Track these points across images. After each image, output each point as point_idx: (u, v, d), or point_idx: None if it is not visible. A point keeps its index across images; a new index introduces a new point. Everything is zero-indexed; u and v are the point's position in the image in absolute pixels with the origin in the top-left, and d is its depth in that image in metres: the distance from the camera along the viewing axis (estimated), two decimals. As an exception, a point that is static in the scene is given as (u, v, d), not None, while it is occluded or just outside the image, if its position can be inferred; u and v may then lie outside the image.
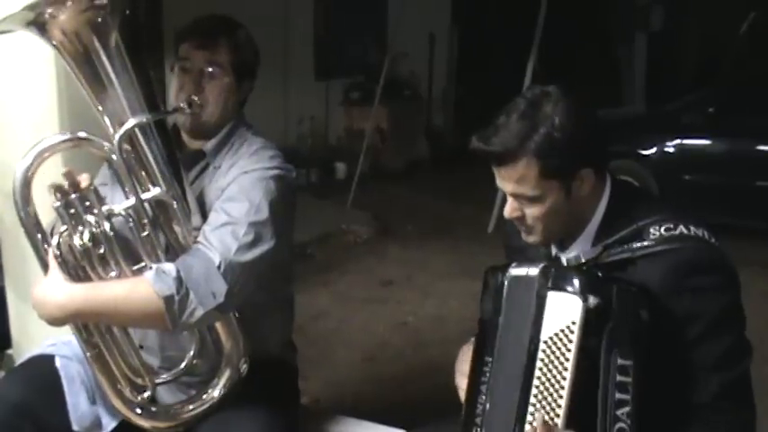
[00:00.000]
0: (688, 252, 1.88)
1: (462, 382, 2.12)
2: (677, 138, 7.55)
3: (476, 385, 2.01)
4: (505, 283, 2.00)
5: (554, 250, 2.11)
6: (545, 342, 1.84)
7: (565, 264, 2.02)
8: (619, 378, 1.77)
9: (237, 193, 2.25)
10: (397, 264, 6.87)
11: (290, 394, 2.61)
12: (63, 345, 2.45)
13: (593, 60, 12.09)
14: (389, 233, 7.75)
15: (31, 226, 2.14)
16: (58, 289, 2.12)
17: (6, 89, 2.97)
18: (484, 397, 1.98)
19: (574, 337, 1.79)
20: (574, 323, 1.79)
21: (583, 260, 1.98)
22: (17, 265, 3.18)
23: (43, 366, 2.40)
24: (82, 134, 2.15)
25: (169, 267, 2.12)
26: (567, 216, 1.98)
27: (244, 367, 2.33)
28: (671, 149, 7.57)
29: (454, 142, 10.95)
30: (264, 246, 2.22)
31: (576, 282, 1.82)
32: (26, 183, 2.09)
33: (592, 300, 1.78)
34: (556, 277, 1.87)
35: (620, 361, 1.77)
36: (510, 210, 2.00)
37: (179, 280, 2.10)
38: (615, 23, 12.07)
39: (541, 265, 1.93)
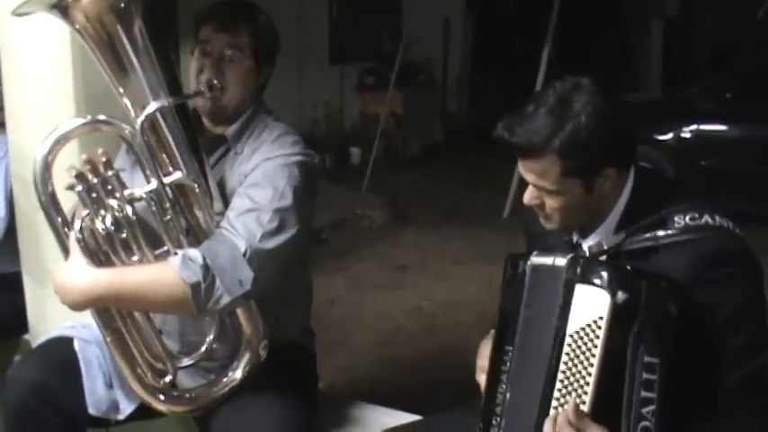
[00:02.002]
0: (712, 242, 1.85)
1: (483, 379, 2.11)
2: (694, 123, 7.52)
3: (496, 375, 1.99)
4: (527, 271, 1.98)
5: (575, 237, 2.09)
6: (571, 336, 1.81)
7: (586, 251, 1.99)
8: (645, 376, 1.74)
9: (262, 179, 2.24)
10: (411, 249, 6.88)
11: (309, 379, 2.60)
12: (82, 327, 2.46)
13: (608, 46, 12.05)
14: (404, 218, 7.75)
15: (52, 210, 2.14)
16: (81, 274, 2.11)
17: (22, 74, 2.97)
18: (504, 386, 1.97)
19: (601, 333, 1.76)
20: (601, 318, 1.76)
21: (605, 247, 1.94)
22: (33, 250, 3.19)
23: (62, 348, 2.41)
24: (102, 117, 2.15)
25: (195, 254, 2.11)
26: (586, 209, 1.95)
27: (263, 352, 2.32)
28: (687, 135, 7.54)
29: (469, 127, 10.93)
30: (288, 232, 2.21)
31: (605, 275, 1.78)
32: (46, 167, 2.09)
33: (620, 295, 1.75)
34: (584, 269, 1.83)
35: (646, 358, 1.74)
36: (529, 197, 1.98)
37: (205, 267, 2.09)
38: (631, 9, 12.01)
39: (569, 255, 1.90)
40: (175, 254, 2.13)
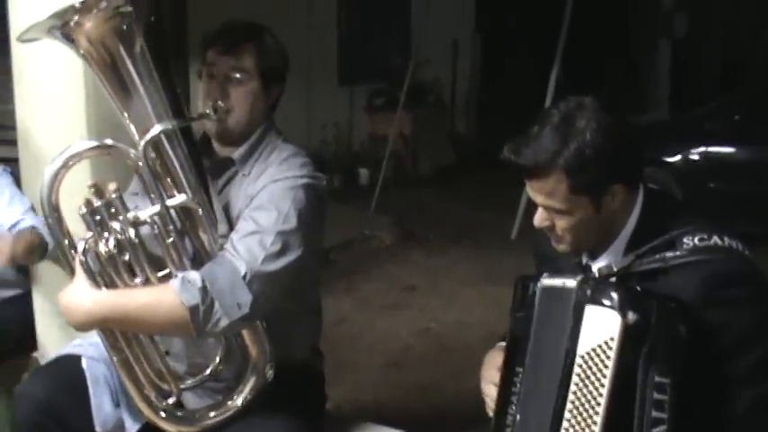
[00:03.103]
0: (721, 263, 1.86)
1: (489, 389, 2.11)
2: (702, 145, 7.49)
3: (506, 396, 2.00)
4: (537, 293, 1.98)
5: (584, 259, 2.08)
6: (581, 357, 1.81)
7: (596, 273, 1.99)
8: (656, 396, 1.74)
9: (267, 201, 2.25)
10: (419, 270, 6.86)
11: (316, 401, 2.61)
12: (89, 345, 2.46)
13: (616, 67, 12.06)
14: (412, 239, 7.74)
15: (58, 231, 2.17)
16: (84, 295, 2.13)
17: (34, 94, 2.99)
18: (514, 407, 1.97)
19: (612, 353, 1.76)
20: (612, 339, 1.77)
21: (615, 269, 1.94)
22: (44, 268, 3.21)
23: (69, 366, 2.41)
24: (108, 141, 2.18)
25: (194, 276, 2.12)
26: (596, 228, 1.96)
27: (269, 373, 2.32)
28: (695, 157, 7.51)
29: (477, 148, 10.94)
30: (291, 255, 2.21)
31: (615, 296, 1.79)
32: (53, 188, 2.12)
33: (631, 315, 1.75)
34: (594, 290, 1.84)
35: (657, 378, 1.74)
36: (539, 219, 1.99)
37: (204, 290, 2.10)
38: (639, 30, 12.04)
39: (579, 277, 1.90)
40: (176, 276, 2.14)
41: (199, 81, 2.41)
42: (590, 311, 1.83)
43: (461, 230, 7.95)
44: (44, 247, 3.07)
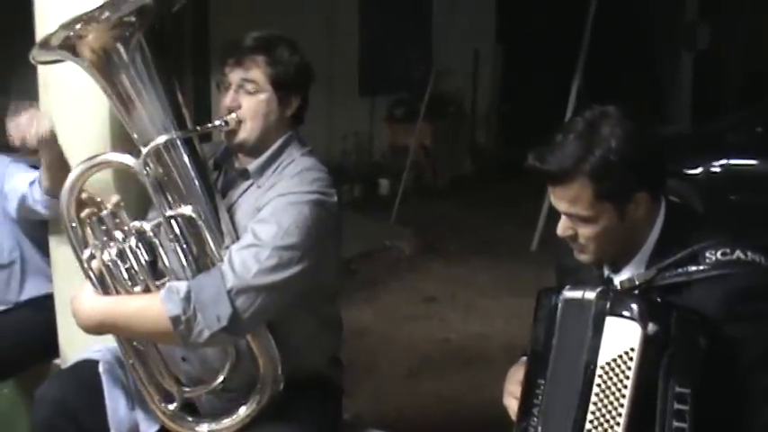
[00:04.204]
0: (744, 278, 1.85)
1: (511, 403, 2.11)
2: (723, 157, 7.45)
3: (527, 408, 2.00)
4: (559, 305, 1.98)
5: (606, 272, 2.09)
6: (602, 368, 1.82)
7: (618, 286, 1.99)
8: (676, 406, 1.74)
9: (269, 215, 2.25)
10: (440, 280, 6.86)
11: (332, 413, 2.59)
12: (108, 351, 2.50)
13: (637, 78, 12.02)
14: (433, 249, 7.74)
15: (75, 239, 2.24)
16: (86, 301, 2.23)
17: (59, 104, 3.01)
18: (536, 419, 1.97)
19: (632, 364, 1.77)
20: (632, 350, 1.77)
21: (636, 282, 1.94)
22: (65, 275, 3.23)
23: (87, 370, 2.46)
24: (111, 156, 2.28)
25: (180, 286, 2.15)
26: (620, 238, 1.96)
27: (280, 385, 2.33)
28: (717, 169, 7.46)
29: (498, 159, 10.92)
30: (287, 271, 2.21)
31: (636, 307, 1.80)
32: (71, 197, 2.17)
33: (651, 327, 1.76)
34: (614, 302, 1.84)
35: (677, 389, 1.75)
36: (563, 228, 1.99)
37: (187, 300, 2.12)
38: (661, 42, 12.00)
39: (599, 288, 1.91)
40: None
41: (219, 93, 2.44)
42: (610, 323, 1.83)
43: (481, 241, 7.94)
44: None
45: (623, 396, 1.78)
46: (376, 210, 8.73)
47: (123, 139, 2.78)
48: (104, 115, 2.84)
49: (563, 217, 1.98)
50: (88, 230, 2.25)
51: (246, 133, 2.36)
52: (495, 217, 8.71)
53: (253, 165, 2.39)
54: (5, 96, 7.04)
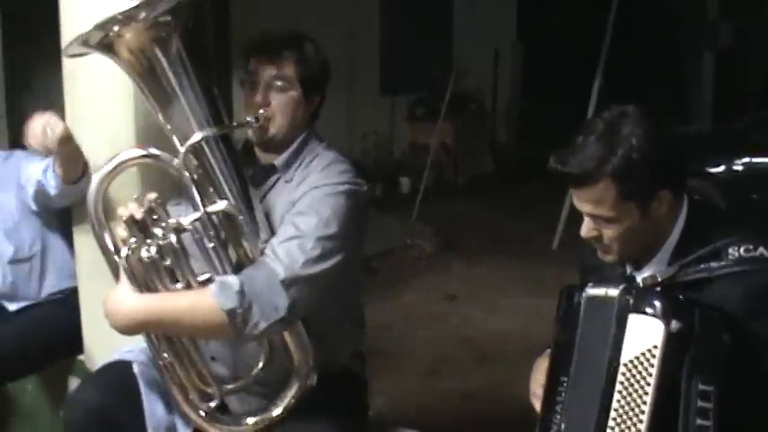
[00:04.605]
0: (766, 274, 1.86)
1: (537, 403, 2.12)
2: (745, 156, 7.41)
3: (550, 405, 2.01)
4: (582, 302, 1.99)
5: (629, 269, 2.09)
6: (625, 365, 1.82)
7: (640, 283, 1.99)
8: (700, 404, 1.74)
9: (307, 207, 2.27)
10: (460, 279, 6.86)
11: (359, 407, 2.62)
12: (140, 352, 2.49)
13: (659, 77, 11.97)
14: (453, 248, 7.74)
15: (104, 237, 2.23)
16: (126, 299, 2.19)
17: (84, 105, 3.03)
18: (559, 416, 1.97)
19: (655, 362, 1.77)
20: (656, 347, 1.77)
21: (659, 279, 1.95)
22: (89, 271, 3.25)
23: (121, 372, 2.44)
24: (153, 150, 2.23)
25: (232, 280, 2.15)
26: (643, 236, 1.97)
27: (313, 378, 2.34)
28: (739, 168, 7.43)
29: (519, 158, 10.91)
30: (331, 260, 2.24)
31: (659, 305, 1.79)
32: (99, 195, 2.17)
33: (674, 324, 1.76)
34: (637, 299, 1.84)
35: (701, 386, 1.74)
36: (586, 229, 1.99)
37: (242, 293, 2.13)
38: (683, 41, 11.94)
39: (622, 286, 1.91)
40: (215, 281, 2.18)
41: (241, 90, 2.44)
42: (633, 320, 1.83)
43: (502, 240, 7.93)
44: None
45: (646, 393, 1.78)
46: (397, 208, 8.72)
47: (147, 136, 2.80)
48: (129, 112, 2.87)
49: (586, 218, 1.99)
50: (120, 228, 2.22)
51: (276, 129, 2.37)
52: (515, 216, 8.69)
53: (279, 160, 2.41)
54: (30, 95, 7.12)
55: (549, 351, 2.14)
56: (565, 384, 1.99)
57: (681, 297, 1.85)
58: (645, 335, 1.80)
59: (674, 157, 1.96)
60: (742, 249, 1.88)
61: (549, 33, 12.15)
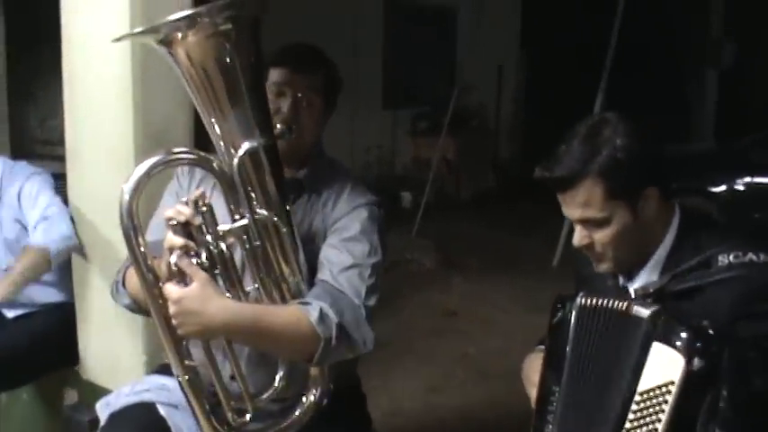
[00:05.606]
0: (758, 278, 1.84)
1: (532, 392, 2.10)
2: (747, 175, 7.41)
3: (542, 414, 2.00)
4: (574, 312, 1.98)
5: (621, 280, 2.08)
6: (641, 394, 1.77)
7: (632, 293, 1.99)
8: None
9: (359, 233, 2.28)
10: (460, 295, 6.84)
11: (363, 420, 2.62)
12: (159, 390, 2.41)
13: (661, 95, 11.98)
14: (454, 264, 7.72)
15: (135, 243, 2.01)
16: (215, 301, 2.02)
17: (83, 111, 3.03)
18: (551, 426, 1.97)
19: (670, 398, 1.70)
20: (672, 383, 1.70)
21: (650, 290, 1.95)
22: (86, 283, 3.24)
23: (147, 415, 2.34)
24: (201, 153, 2.13)
25: (327, 309, 2.11)
26: (635, 239, 1.96)
27: (328, 394, 2.30)
28: (741, 187, 7.43)
29: (521, 174, 10.90)
30: (378, 284, 2.25)
31: (685, 337, 1.71)
32: (133, 199, 1.98)
33: (697, 362, 1.67)
34: (665, 326, 1.77)
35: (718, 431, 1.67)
36: (579, 238, 1.99)
37: (340, 327, 2.11)
38: (685, 59, 11.97)
39: (653, 308, 1.83)
40: (310, 304, 2.13)
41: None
42: (656, 349, 1.77)
43: (503, 257, 7.92)
44: (49, 264, 3.14)
45: (656, 430, 1.73)
46: (397, 223, 8.70)
47: (146, 143, 2.80)
48: (128, 119, 2.86)
49: (577, 226, 1.99)
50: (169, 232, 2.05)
51: (303, 142, 2.34)
52: (516, 232, 8.69)
53: (304, 174, 2.38)
54: (31, 103, 7.12)
55: (539, 347, 2.16)
56: (556, 394, 1.98)
57: (711, 332, 1.73)
58: (664, 367, 1.73)
59: (658, 153, 1.98)
60: (731, 256, 1.87)
61: (553, 50, 12.16)
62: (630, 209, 1.92)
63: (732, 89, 11.83)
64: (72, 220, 3.20)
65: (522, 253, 8.04)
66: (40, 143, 7.18)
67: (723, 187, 7.47)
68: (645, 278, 2.01)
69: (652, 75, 11.90)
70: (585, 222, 1.96)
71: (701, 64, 11.77)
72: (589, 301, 1.96)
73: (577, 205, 1.94)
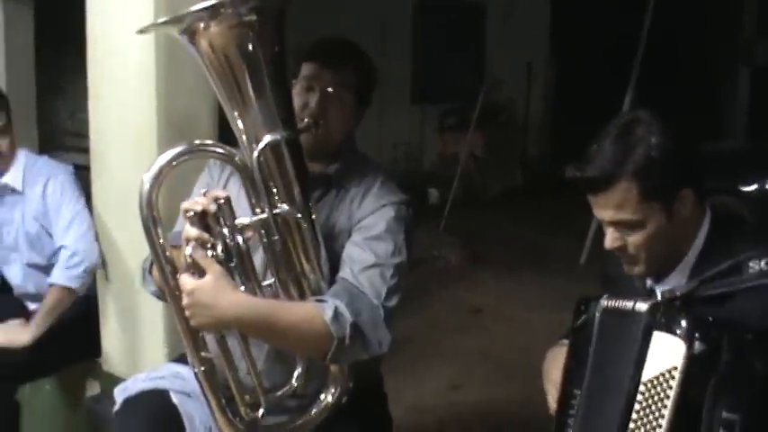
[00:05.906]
0: None
1: (550, 388, 2.08)
2: (779, 175, 7.33)
3: (563, 416, 1.98)
4: (597, 314, 1.95)
5: (649, 282, 2.04)
6: (645, 384, 1.77)
7: (659, 296, 1.94)
8: None
9: (384, 232, 2.24)
10: (486, 292, 6.81)
11: (384, 419, 2.61)
12: (174, 378, 2.42)
13: (692, 93, 11.89)
14: (480, 260, 7.70)
15: (154, 234, 2.03)
16: (228, 294, 2.02)
17: (107, 105, 3.03)
18: (571, 431, 1.95)
19: (674, 384, 1.71)
20: (675, 369, 1.72)
21: (677, 294, 1.90)
22: (106, 276, 3.25)
23: (160, 402, 2.36)
24: (220, 145, 2.13)
25: (343, 309, 2.09)
26: (669, 242, 1.92)
27: (347, 391, 2.29)
28: (772, 187, 7.35)
29: (549, 171, 10.84)
30: (402, 287, 2.22)
31: (684, 324, 1.73)
32: (153, 191, 1.99)
33: (698, 346, 1.69)
34: (665, 316, 1.79)
35: (725, 414, 1.67)
36: (611, 240, 1.95)
37: (354, 326, 2.09)
38: (717, 56, 11.86)
39: (650, 301, 1.86)
40: (325, 301, 2.11)
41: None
42: (657, 337, 1.78)
43: (530, 254, 7.87)
44: (74, 295, 3.22)
45: (662, 417, 1.73)
46: (425, 219, 8.67)
47: (170, 136, 2.79)
48: (151, 113, 2.86)
49: (609, 228, 1.95)
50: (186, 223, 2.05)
51: (330, 137, 2.33)
52: (543, 230, 8.63)
53: (333, 169, 2.36)
54: (58, 97, 7.15)
55: (563, 341, 2.14)
56: (578, 397, 1.96)
57: (710, 318, 1.78)
58: (666, 354, 1.75)
59: (693, 152, 1.94)
60: (763, 262, 1.84)
61: (583, 47, 12.07)
62: (665, 211, 1.88)
63: (765, 87, 11.70)
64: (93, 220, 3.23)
65: (548, 251, 7.99)
66: (70, 135, 7.23)
67: (754, 186, 7.39)
68: (674, 281, 1.97)
69: (683, 72, 11.80)
70: (618, 224, 1.92)
71: (733, 62, 11.64)
72: (614, 303, 1.92)
73: (611, 207, 1.89)
